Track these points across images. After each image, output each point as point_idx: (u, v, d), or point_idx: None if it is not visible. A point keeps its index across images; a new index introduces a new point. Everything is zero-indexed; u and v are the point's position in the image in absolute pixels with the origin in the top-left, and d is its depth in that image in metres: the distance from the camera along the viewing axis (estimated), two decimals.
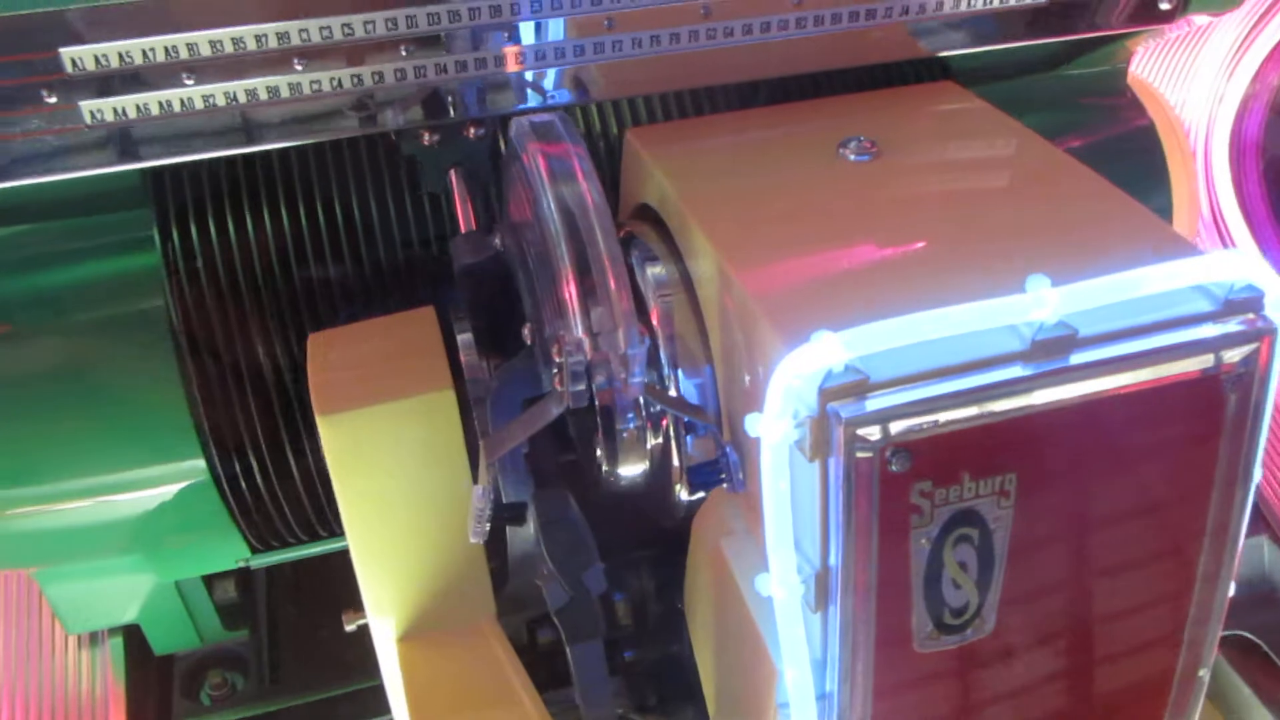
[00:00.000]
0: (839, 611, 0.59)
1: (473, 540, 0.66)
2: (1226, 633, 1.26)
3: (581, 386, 0.63)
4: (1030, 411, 0.57)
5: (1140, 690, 0.69)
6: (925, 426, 0.56)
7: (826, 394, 0.55)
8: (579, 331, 0.61)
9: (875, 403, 0.55)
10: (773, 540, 0.59)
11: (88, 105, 0.73)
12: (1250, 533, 1.26)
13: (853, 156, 0.74)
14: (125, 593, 1.03)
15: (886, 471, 0.56)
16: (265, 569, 1.19)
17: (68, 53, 0.70)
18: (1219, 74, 1.45)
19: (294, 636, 1.15)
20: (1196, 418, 0.61)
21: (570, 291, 0.62)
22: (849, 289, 0.62)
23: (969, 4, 0.87)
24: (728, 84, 0.88)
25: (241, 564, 1.00)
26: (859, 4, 0.84)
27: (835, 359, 0.55)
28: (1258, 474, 0.65)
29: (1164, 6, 0.93)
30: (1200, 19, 0.98)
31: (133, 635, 1.09)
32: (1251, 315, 0.60)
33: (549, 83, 0.80)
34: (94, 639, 1.09)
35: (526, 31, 0.77)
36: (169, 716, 1.07)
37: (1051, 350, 0.58)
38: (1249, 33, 1.41)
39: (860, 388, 0.55)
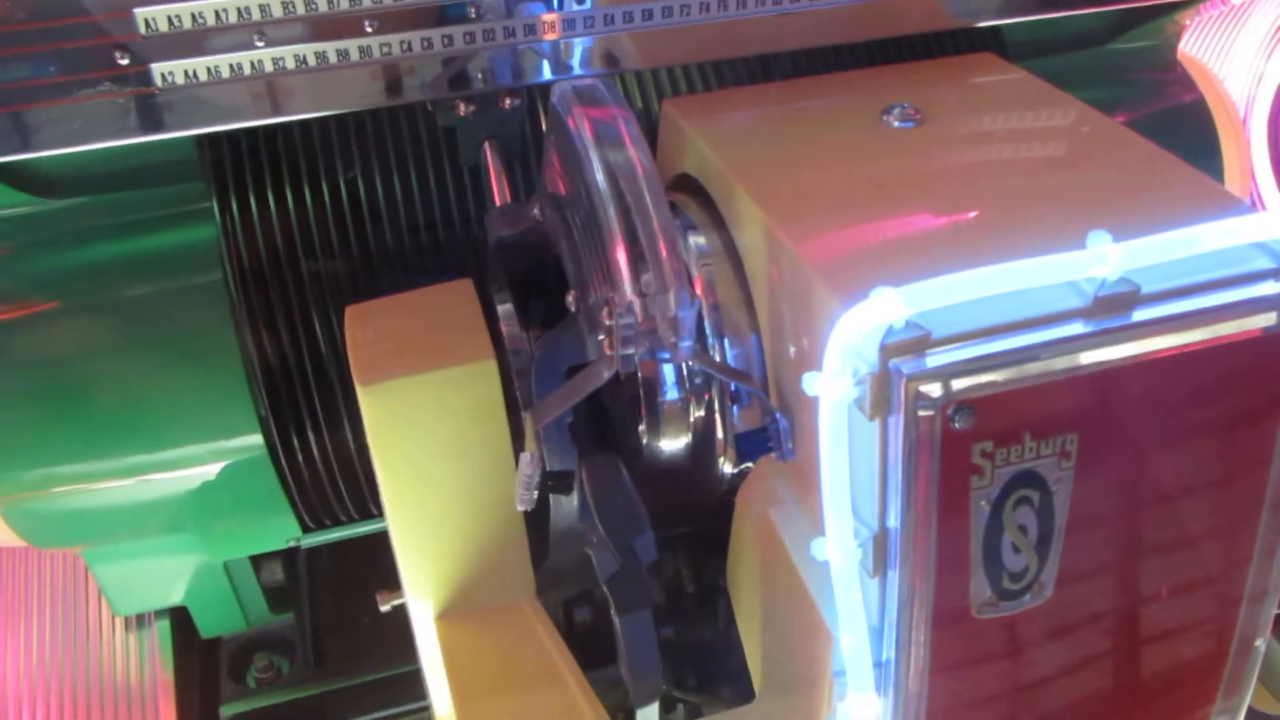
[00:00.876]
0: (898, 576, 0.59)
1: (520, 508, 0.65)
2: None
3: (632, 350, 0.62)
4: (1093, 369, 0.56)
5: (1196, 659, 0.68)
6: (988, 384, 0.55)
7: (888, 350, 0.55)
8: (629, 294, 0.61)
9: (937, 359, 0.55)
10: (830, 503, 0.59)
11: (159, 68, 0.73)
12: None
13: (897, 123, 0.74)
14: (174, 574, 1.04)
15: (949, 429, 0.55)
16: (307, 555, 1.20)
17: (142, 13, 0.70)
18: (1259, 53, 1.43)
19: (339, 619, 1.15)
20: (1258, 378, 0.60)
21: (620, 254, 0.61)
22: (904, 249, 0.61)
23: None
24: (767, 54, 0.88)
25: (292, 543, 1.00)
26: None
27: (896, 315, 0.55)
28: None
29: None
30: None
31: (180, 618, 1.10)
32: None
33: (583, 53, 0.79)
34: (141, 621, 1.10)
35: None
36: (216, 699, 1.08)
37: (1114, 307, 0.57)
38: None
39: (922, 344, 0.55)
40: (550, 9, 0.77)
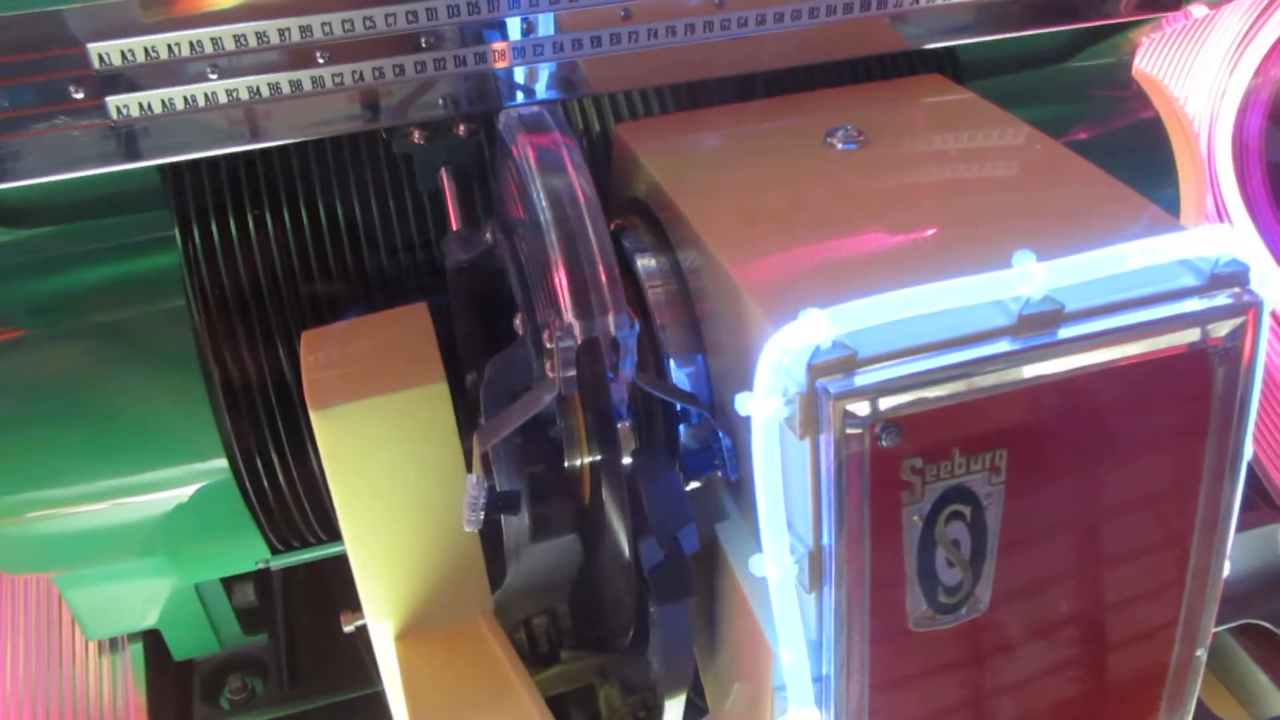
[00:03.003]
0: (833, 591, 0.60)
1: (467, 529, 0.67)
2: (1241, 621, 1.25)
3: (573, 372, 0.63)
4: (1019, 386, 0.58)
5: (1138, 670, 0.69)
6: (915, 401, 0.56)
7: (815, 370, 0.56)
8: (570, 316, 0.62)
9: (864, 378, 0.56)
10: (765, 520, 0.60)
11: (114, 100, 0.74)
12: (1262, 521, 1.25)
13: (840, 145, 0.75)
14: (146, 597, 1.04)
15: (877, 447, 0.56)
16: (281, 575, 1.21)
17: (95, 48, 0.72)
18: (1221, 69, 1.45)
19: (312, 640, 1.16)
20: (1185, 392, 0.61)
21: (560, 278, 0.63)
22: (835, 270, 0.63)
23: None
24: (722, 78, 0.89)
25: (261, 565, 1.01)
26: None
27: (823, 335, 0.56)
28: (1248, 451, 0.65)
29: None
30: (1199, 10, 0.98)
31: (153, 641, 1.11)
32: (1237, 289, 0.60)
33: (538, 78, 0.81)
34: (114, 645, 1.11)
35: (514, 28, 0.78)
36: (188, 718, 1.09)
37: (1038, 325, 0.58)
38: (1250, 27, 1.41)
39: (848, 364, 0.56)
40: (501, 37, 0.78)
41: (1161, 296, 0.60)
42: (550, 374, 0.64)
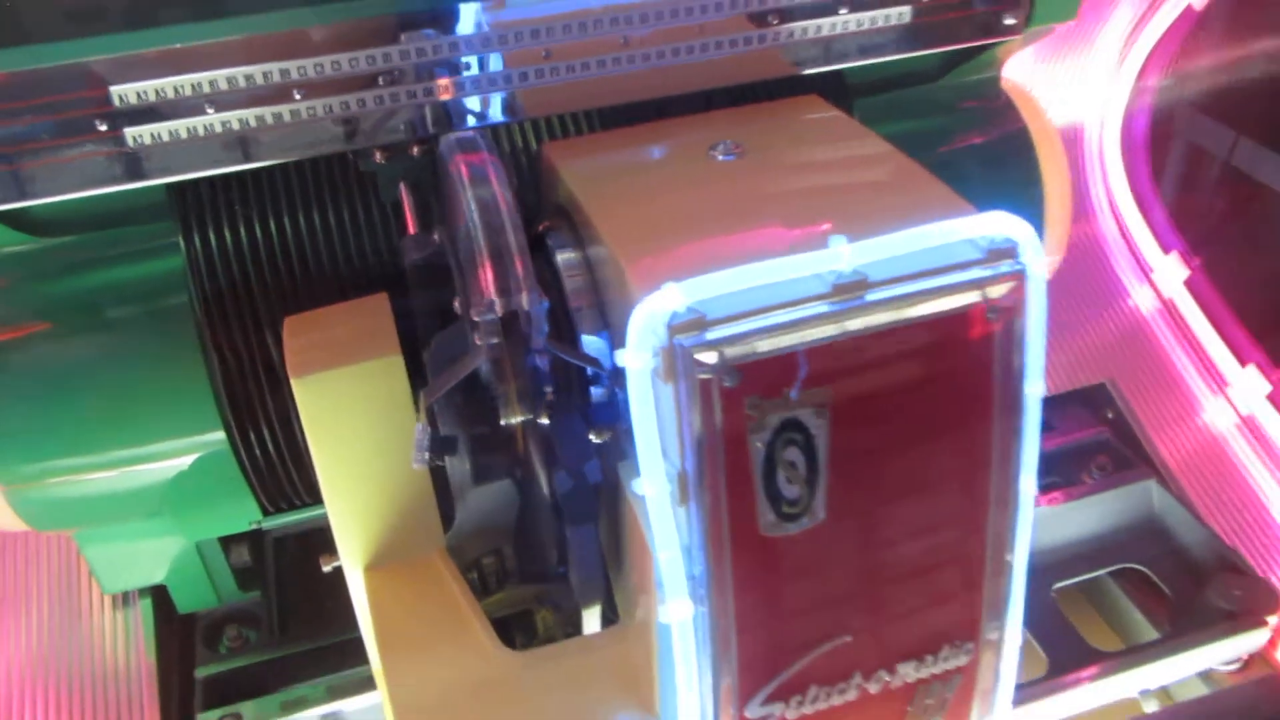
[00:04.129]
0: (696, 504, 0.77)
1: (415, 466, 0.83)
2: (1119, 565, 1.42)
3: (496, 339, 0.80)
4: (835, 339, 0.75)
5: (957, 579, 0.85)
6: (751, 352, 0.73)
7: (673, 329, 0.73)
8: (491, 294, 0.79)
9: (711, 335, 0.73)
10: (642, 449, 0.77)
11: (130, 131, 0.92)
12: (1140, 478, 1.42)
13: (721, 157, 0.92)
14: (154, 555, 1.21)
15: (723, 388, 0.73)
16: (273, 542, 1.37)
17: (116, 90, 0.89)
18: (1108, 76, 1.63)
19: (298, 597, 1.32)
20: (972, 343, 0.78)
21: (485, 265, 0.80)
22: (698, 253, 0.79)
23: (838, 28, 1.05)
24: (633, 103, 1.06)
25: (255, 525, 1.17)
26: (751, 30, 1.02)
27: (679, 303, 0.73)
28: (1036, 390, 0.82)
29: (1009, 22, 1.10)
30: (1041, 29, 1.15)
31: (160, 596, 1.27)
32: (1009, 260, 0.77)
33: (477, 107, 0.98)
34: (126, 600, 1.27)
35: (457, 67, 0.95)
36: (192, 663, 1.25)
37: (848, 291, 0.75)
38: (1129, 36, 1.59)
39: (699, 324, 0.73)
40: (447, 74, 0.95)
41: (950, 267, 0.77)
42: (479, 342, 0.81)
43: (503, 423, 0.88)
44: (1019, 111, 1.26)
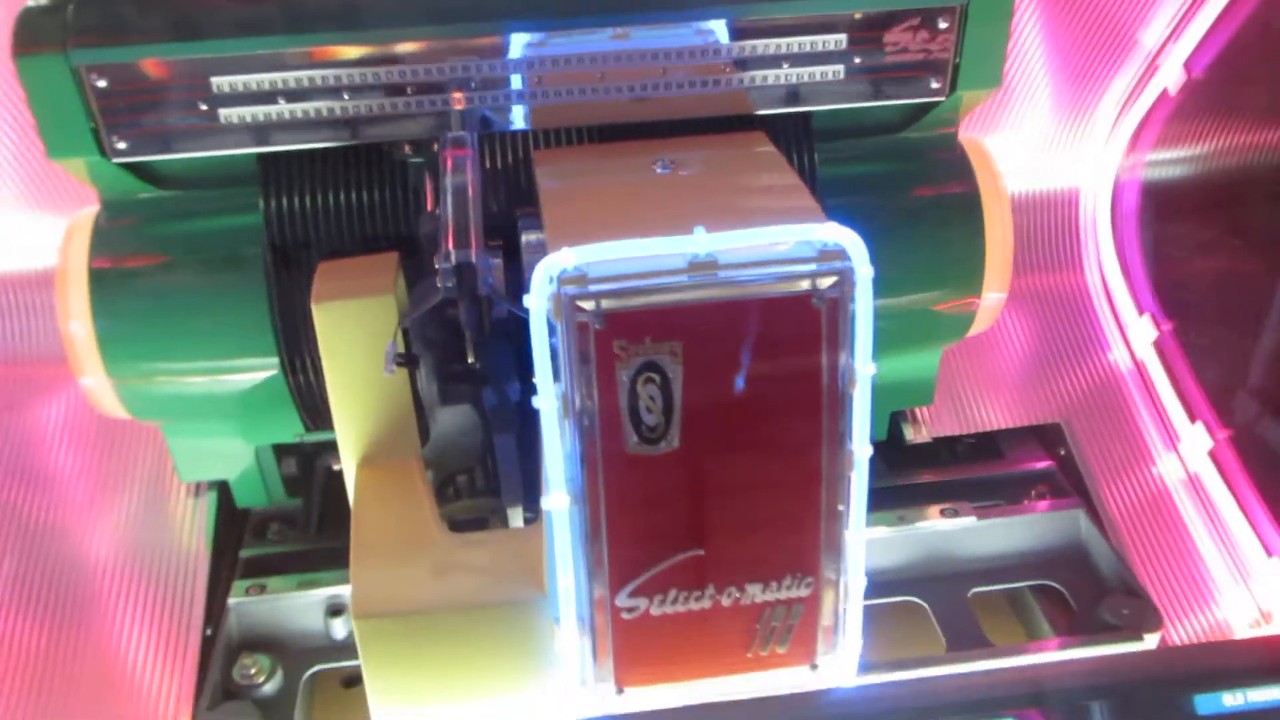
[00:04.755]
0: (574, 419, 1.01)
1: (386, 373, 1.10)
2: (1038, 581, 1.58)
3: (451, 283, 1.07)
4: (687, 304, 0.98)
5: (795, 513, 1.06)
6: (620, 305, 0.97)
7: (561, 281, 0.98)
8: (448, 247, 1.06)
9: (591, 289, 0.97)
10: (539, 372, 1.01)
11: (225, 112, 1.23)
12: (1069, 505, 1.57)
13: (659, 170, 1.17)
14: (220, 454, 1.52)
15: (596, 330, 0.97)
16: (320, 461, 1.67)
17: (215, 80, 1.21)
18: (1102, 146, 1.80)
19: (333, 507, 1.61)
20: (803, 323, 1.00)
21: (448, 229, 1.07)
22: (600, 231, 1.04)
23: (782, 79, 1.29)
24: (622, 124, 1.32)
25: (299, 438, 1.47)
26: (719, 74, 1.27)
27: (570, 262, 0.98)
28: (861, 365, 1.02)
29: (934, 85, 1.32)
30: (967, 96, 1.35)
31: (223, 492, 1.59)
32: (836, 260, 0.99)
33: (483, 117, 1.26)
34: (198, 491, 1.59)
35: (466, 84, 1.24)
36: (239, 547, 1.55)
37: (701, 268, 0.98)
38: (1119, 112, 1.76)
39: (581, 279, 0.97)
40: (459, 89, 1.24)
41: (788, 260, 0.99)
42: (438, 284, 1.08)
43: (470, 361, 1.15)
44: (970, 164, 1.45)
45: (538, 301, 0.99)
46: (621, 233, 1.02)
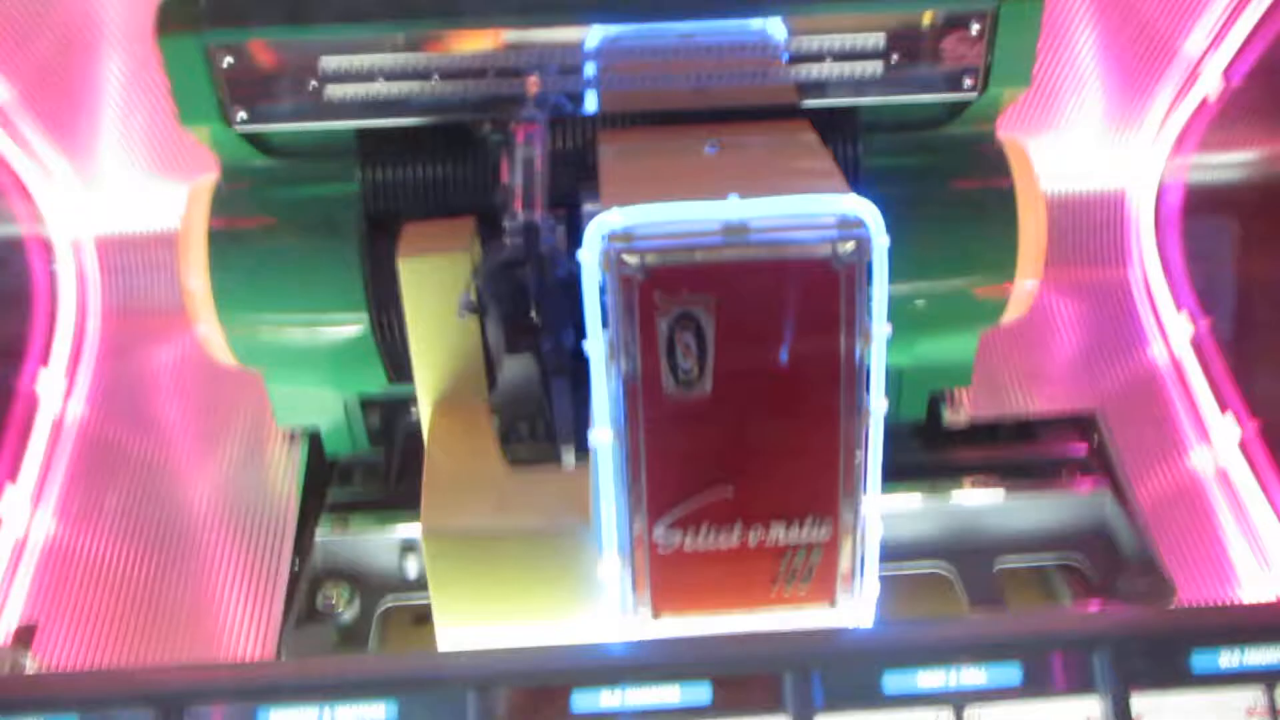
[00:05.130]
0: (618, 362, 1.14)
1: (458, 318, 1.25)
2: (1061, 561, 1.66)
3: (519, 240, 1.22)
4: (720, 261, 1.11)
5: (816, 458, 1.18)
6: (662, 261, 1.10)
7: (610, 239, 1.11)
8: (519, 214, 1.21)
9: (636, 245, 1.11)
10: (589, 319, 1.15)
11: (329, 89, 1.41)
12: (1097, 488, 1.65)
13: (708, 149, 1.30)
14: (313, 402, 1.68)
15: (639, 280, 1.11)
16: (401, 416, 1.83)
17: (322, 62, 1.39)
18: (1147, 150, 1.88)
19: (413, 460, 1.76)
20: (824, 284, 1.12)
21: (516, 195, 1.22)
22: (648, 196, 1.17)
23: (827, 74, 1.41)
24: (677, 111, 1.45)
25: (383, 390, 1.63)
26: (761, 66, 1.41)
27: (619, 222, 1.12)
28: (878, 329, 1.14)
29: (968, 83, 1.43)
30: (1015, 90, 1.46)
31: (314, 442, 1.75)
32: (854, 227, 1.11)
33: (556, 100, 1.41)
34: (292, 438, 1.76)
35: (542, 70, 1.39)
36: (325, 489, 1.72)
37: (733, 231, 1.11)
38: (1166, 114, 1.83)
39: (628, 237, 1.11)
40: (536, 74, 1.39)
41: (812, 227, 1.11)
42: (506, 241, 1.23)
43: (532, 315, 1.29)
44: (1006, 158, 1.55)
45: (589, 255, 1.13)
46: (666, 198, 1.16)
